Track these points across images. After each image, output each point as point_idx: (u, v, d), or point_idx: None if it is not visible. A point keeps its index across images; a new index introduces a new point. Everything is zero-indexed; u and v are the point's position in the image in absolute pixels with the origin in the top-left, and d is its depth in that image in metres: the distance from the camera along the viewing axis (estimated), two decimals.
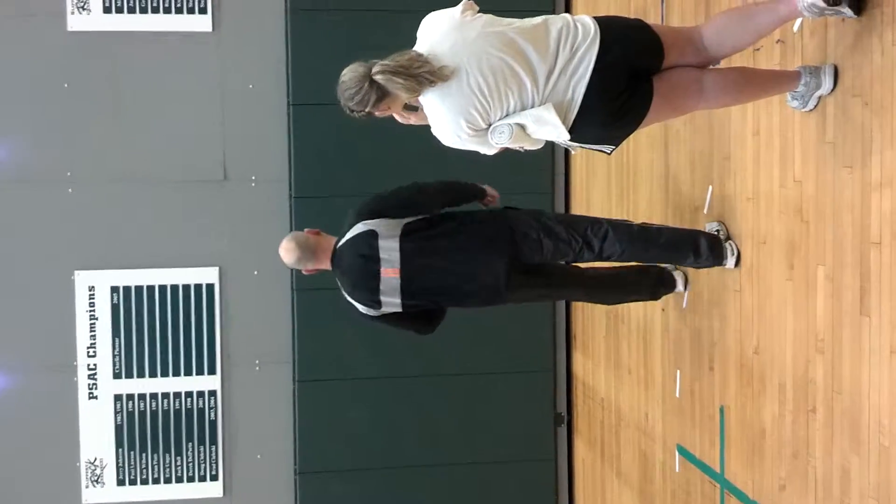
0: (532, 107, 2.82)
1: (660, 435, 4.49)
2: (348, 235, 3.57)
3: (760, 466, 3.49)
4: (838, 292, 2.95)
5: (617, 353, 5.11)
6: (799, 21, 3.12)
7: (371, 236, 3.50)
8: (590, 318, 5.63)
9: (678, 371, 4.23)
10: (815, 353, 3.09)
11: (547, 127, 2.81)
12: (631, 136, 3.03)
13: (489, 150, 2.95)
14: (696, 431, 4.07)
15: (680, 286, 4.03)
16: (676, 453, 4.28)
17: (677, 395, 4.24)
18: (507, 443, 5.97)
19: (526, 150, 2.96)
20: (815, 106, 3.04)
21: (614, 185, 5.11)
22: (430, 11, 2.94)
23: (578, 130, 2.86)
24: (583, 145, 2.99)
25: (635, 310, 4.76)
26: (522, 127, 2.83)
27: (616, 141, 2.99)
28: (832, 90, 2.94)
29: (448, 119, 2.84)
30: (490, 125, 2.85)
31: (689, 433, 4.15)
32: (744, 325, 3.60)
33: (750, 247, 3.55)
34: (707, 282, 3.92)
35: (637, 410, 4.80)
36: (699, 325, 4.00)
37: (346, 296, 3.65)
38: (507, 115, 2.83)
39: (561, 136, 2.84)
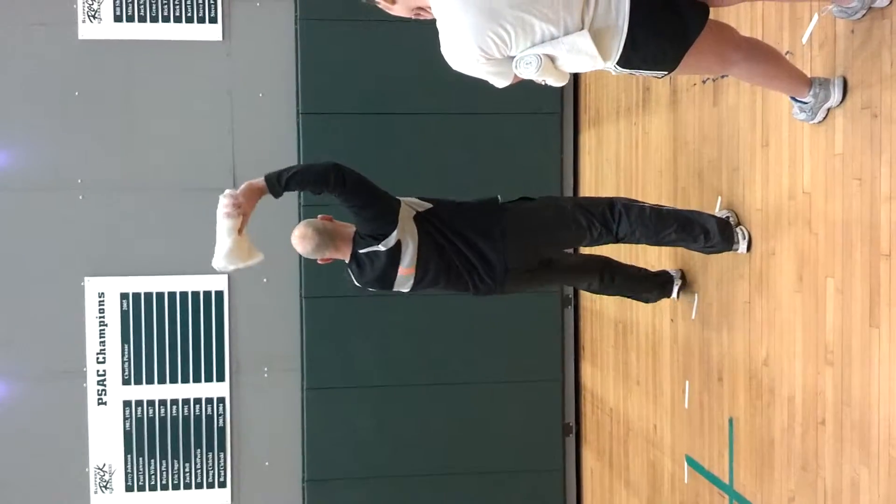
0: (567, 35, 2.51)
1: (668, 446, 4.48)
2: (370, 248, 3.48)
3: (770, 478, 3.48)
4: (848, 304, 2.94)
5: (625, 364, 5.10)
6: (808, 32, 3.12)
7: (396, 248, 3.47)
8: (598, 328, 5.63)
9: (687, 382, 4.22)
10: (825, 364, 3.08)
11: (582, 57, 2.52)
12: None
13: (502, 82, 2.65)
14: (704, 442, 4.06)
15: (674, 293, 4.15)
16: (685, 464, 4.26)
17: (686, 405, 4.23)
18: (515, 453, 5.96)
19: (547, 85, 2.64)
20: (824, 118, 3.03)
21: (623, 194, 5.10)
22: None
23: (627, 56, 2.55)
24: (633, 71, 2.65)
25: (644, 320, 4.75)
26: (552, 58, 2.53)
27: (668, 63, 2.61)
28: (841, 102, 2.94)
29: (460, 39, 2.51)
30: (507, 57, 2.55)
31: (697, 444, 4.13)
32: (753, 336, 3.59)
33: (759, 258, 3.55)
34: (716, 292, 3.91)
35: (645, 421, 4.79)
36: (708, 336, 4.00)
37: (353, 278, 3.59)
38: (533, 46, 2.52)
39: (597, 65, 2.55)
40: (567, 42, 2.50)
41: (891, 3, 2.73)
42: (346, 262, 3.57)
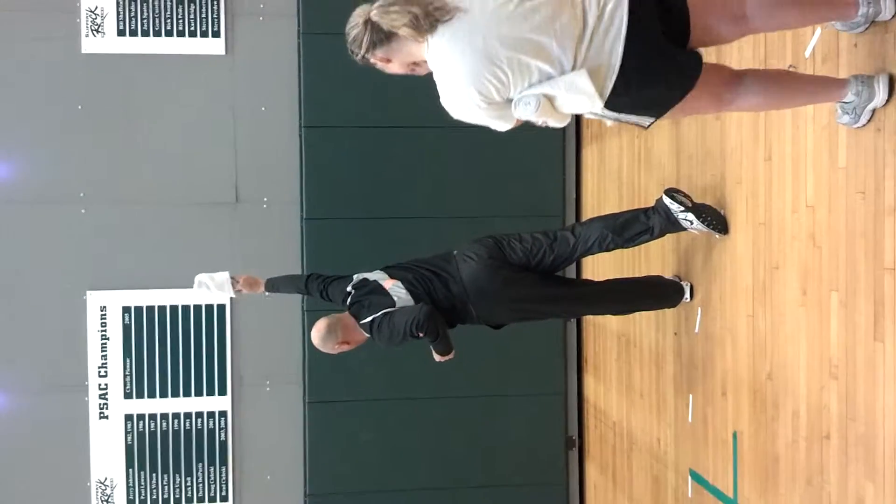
0: (563, 75, 2.51)
1: (672, 460, 4.46)
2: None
3: (774, 493, 3.46)
4: (852, 318, 2.94)
5: (629, 377, 5.08)
6: (811, 46, 3.12)
7: (373, 282, 4.05)
8: (601, 341, 5.62)
9: (691, 396, 4.21)
10: (829, 378, 3.07)
11: (579, 96, 2.52)
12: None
13: (504, 126, 2.66)
14: (709, 457, 4.05)
15: (687, 295, 4.18)
16: (689, 478, 4.25)
17: (690, 420, 4.22)
18: (518, 466, 5.94)
19: (548, 126, 2.64)
20: (868, 121, 2.84)
21: (625, 209, 5.10)
22: None
23: (616, 98, 2.55)
24: (619, 116, 2.65)
25: (647, 334, 4.75)
26: (550, 99, 2.53)
27: (656, 109, 2.65)
28: (888, 101, 2.76)
29: (458, 86, 2.53)
30: (506, 100, 2.56)
31: (701, 458, 4.12)
32: (757, 350, 3.58)
33: (763, 272, 3.54)
34: (720, 307, 3.91)
35: (649, 435, 4.77)
36: (712, 349, 3.99)
37: (378, 339, 3.98)
38: (530, 87, 2.53)
39: (594, 105, 2.53)
40: (565, 81, 2.51)
41: (894, 16, 2.73)
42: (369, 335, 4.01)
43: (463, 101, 2.56)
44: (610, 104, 2.56)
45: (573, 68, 2.51)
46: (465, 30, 2.49)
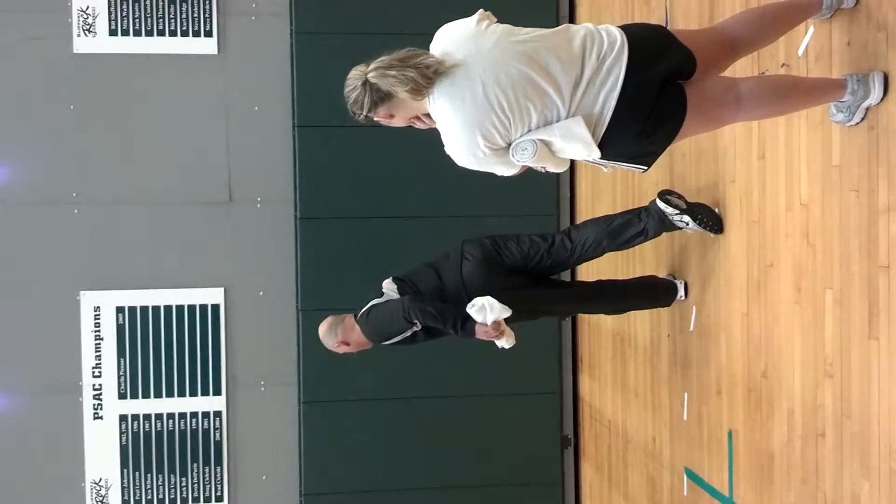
0: (558, 121, 2.57)
1: (667, 458, 4.46)
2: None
3: (769, 491, 3.46)
4: (846, 316, 2.94)
5: (624, 376, 5.08)
6: (804, 44, 3.12)
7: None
8: (596, 340, 5.61)
9: (685, 394, 4.21)
10: (824, 377, 3.07)
11: (575, 143, 2.56)
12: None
13: (508, 171, 2.70)
14: (704, 455, 4.05)
15: (681, 293, 4.19)
16: (685, 477, 4.25)
17: (685, 418, 4.22)
18: (513, 465, 5.93)
19: (548, 172, 2.69)
20: (862, 119, 2.84)
21: (620, 208, 5.10)
22: (436, 34, 2.74)
23: (608, 147, 2.61)
24: (614, 163, 2.71)
25: (642, 332, 4.74)
26: (547, 144, 2.57)
27: (650, 158, 2.71)
28: (882, 99, 2.75)
29: (462, 133, 2.57)
30: (509, 144, 2.60)
31: (697, 457, 4.12)
32: (751, 348, 3.58)
33: (757, 270, 3.54)
34: (714, 305, 3.90)
35: (644, 433, 4.77)
36: (706, 348, 3.99)
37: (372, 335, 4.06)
38: (529, 132, 2.58)
39: (591, 153, 2.58)
40: (560, 127, 2.56)
41: (856, 4, 2.80)
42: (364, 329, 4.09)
43: (468, 149, 2.59)
44: (604, 154, 2.61)
45: (567, 113, 2.56)
46: (464, 78, 2.54)
